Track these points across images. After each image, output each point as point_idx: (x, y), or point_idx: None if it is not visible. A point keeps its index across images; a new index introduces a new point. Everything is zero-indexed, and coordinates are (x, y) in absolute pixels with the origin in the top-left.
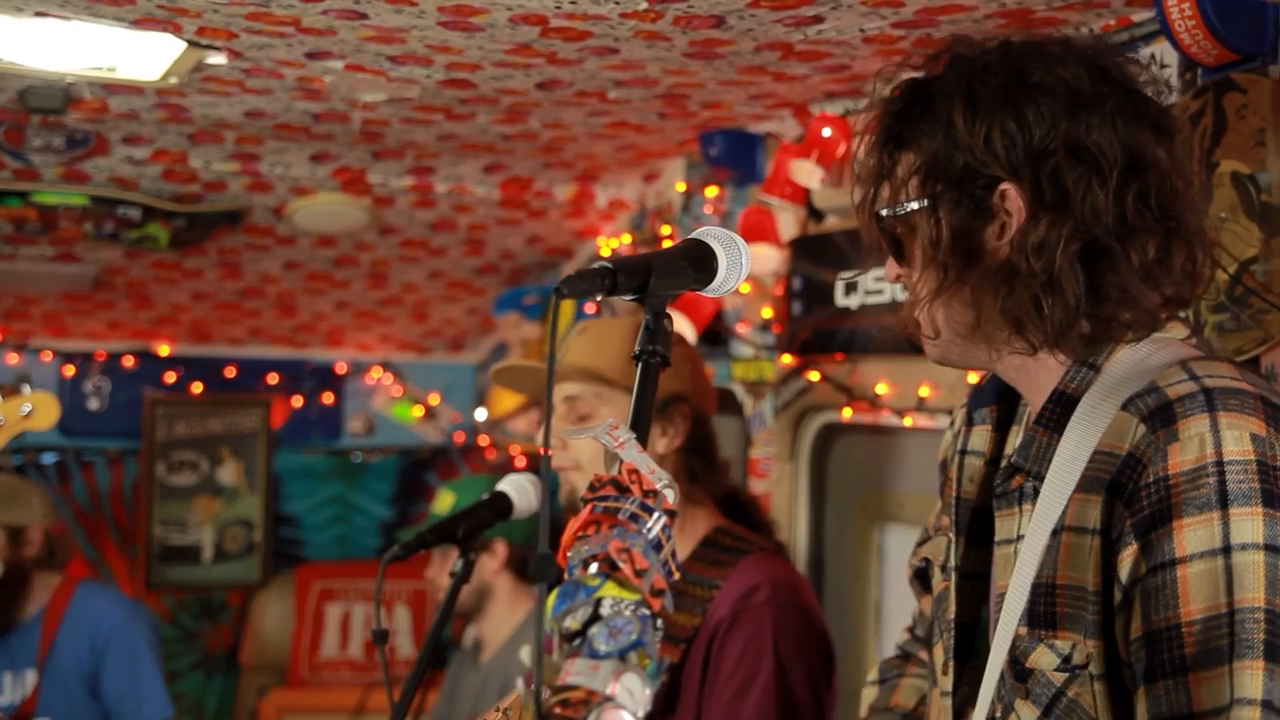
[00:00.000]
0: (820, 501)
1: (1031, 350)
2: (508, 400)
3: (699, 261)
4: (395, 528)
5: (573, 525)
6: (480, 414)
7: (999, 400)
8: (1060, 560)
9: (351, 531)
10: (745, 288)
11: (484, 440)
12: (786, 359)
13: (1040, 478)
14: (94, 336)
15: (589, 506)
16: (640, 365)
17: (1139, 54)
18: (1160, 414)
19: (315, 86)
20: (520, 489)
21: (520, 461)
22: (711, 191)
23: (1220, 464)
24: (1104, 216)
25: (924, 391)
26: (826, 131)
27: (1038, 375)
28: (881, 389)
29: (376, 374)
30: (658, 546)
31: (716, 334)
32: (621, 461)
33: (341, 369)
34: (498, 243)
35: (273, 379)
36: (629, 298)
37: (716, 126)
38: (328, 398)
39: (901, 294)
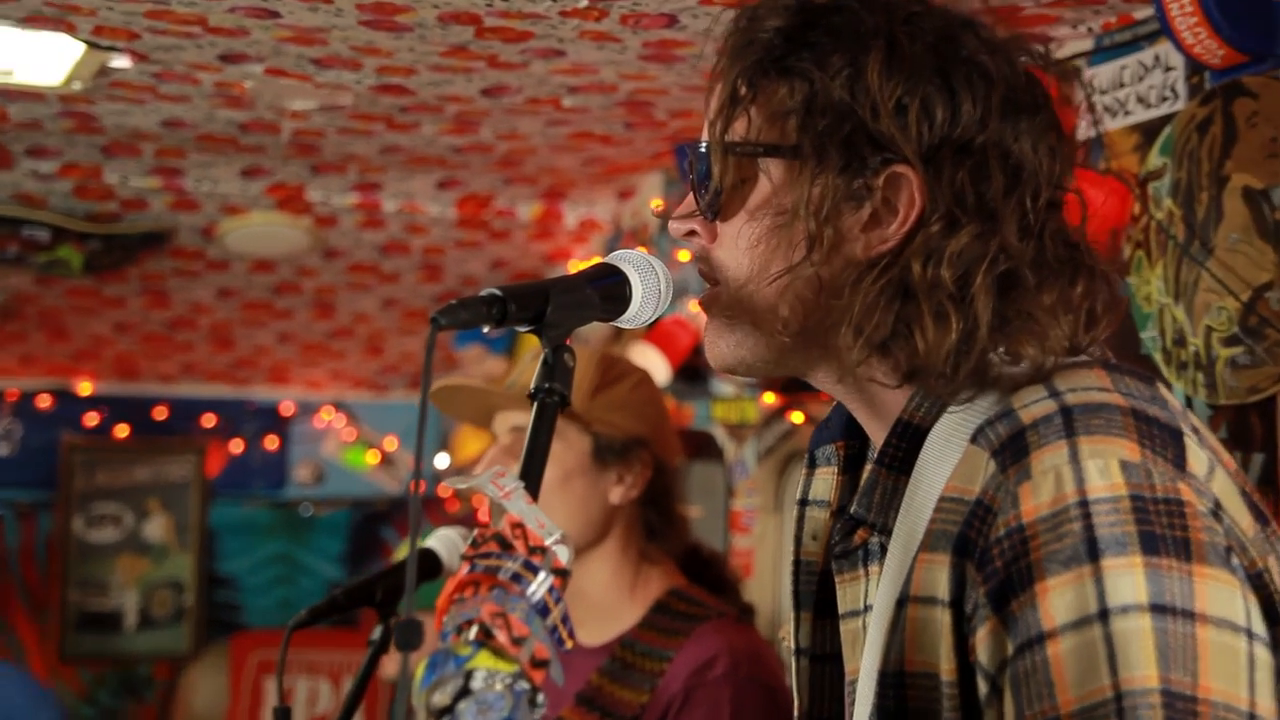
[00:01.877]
0: None
1: (892, 378)
2: (473, 443)
3: (608, 289)
4: None
5: (449, 586)
6: (442, 460)
7: (848, 434)
8: (907, 640)
9: (296, 594)
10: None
11: (446, 490)
12: (769, 398)
13: (887, 531)
14: (4, 373)
15: (466, 565)
16: (535, 405)
17: (1141, 54)
18: (1011, 445)
19: (236, 93)
20: (451, 545)
21: (484, 514)
22: None
23: (1084, 504)
24: (1027, 243)
25: None
26: None
27: (875, 402)
28: None
29: (326, 415)
30: (543, 611)
31: (695, 370)
32: (505, 515)
33: (287, 410)
34: (457, 267)
35: (208, 421)
36: (523, 329)
37: (690, 138)
38: (271, 442)
39: None
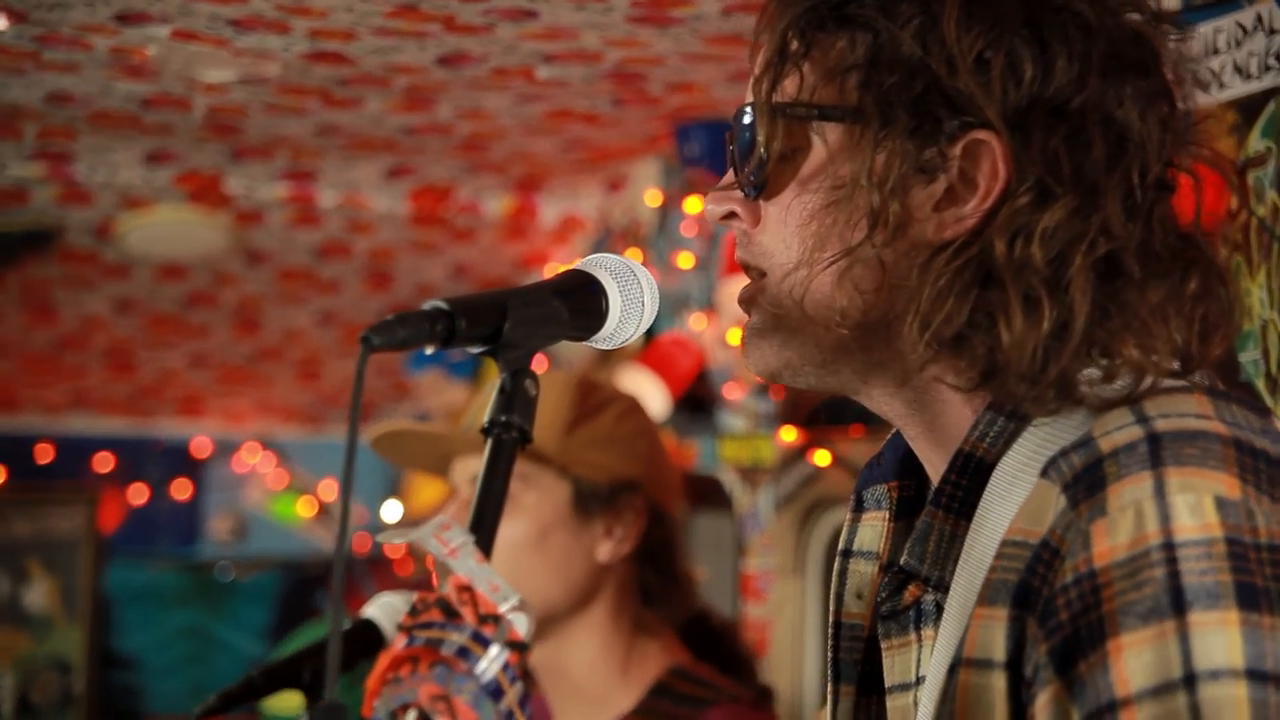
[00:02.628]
0: None
1: (964, 378)
2: (430, 489)
3: (579, 301)
4: None
5: (382, 662)
6: (392, 510)
7: (903, 473)
8: (958, 713)
9: (211, 676)
10: (737, 337)
11: (396, 549)
12: (789, 434)
13: (944, 587)
14: None
15: (402, 636)
16: (490, 443)
17: (1240, 14)
18: (1086, 477)
19: (137, 61)
20: (394, 615)
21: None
22: (695, 205)
23: (1170, 546)
24: (1133, 225)
25: None
26: None
27: (937, 423)
28: None
29: (250, 456)
30: (495, 692)
31: (699, 400)
32: (452, 575)
33: (200, 449)
34: (411, 274)
35: (103, 463)
36: (476, 349)
37: (693, 117)
38: (181, 489)
39: None
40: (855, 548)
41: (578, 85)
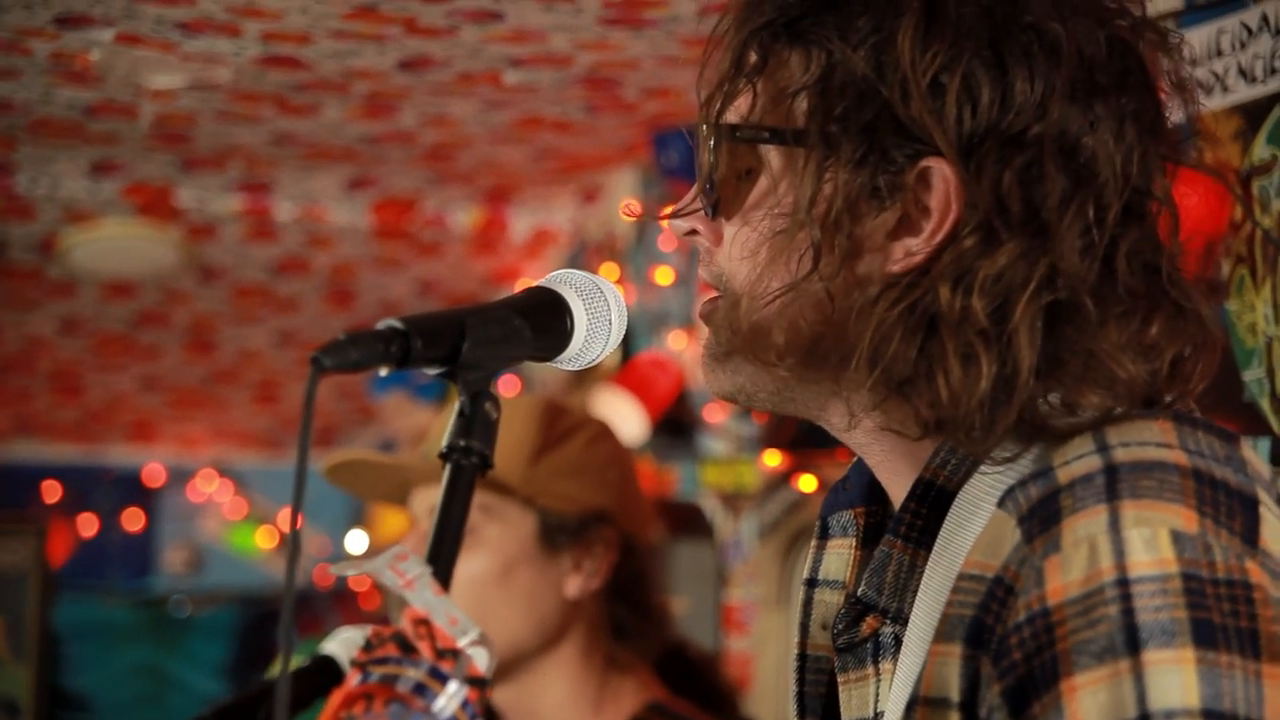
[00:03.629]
0: None
1: (912, 428)
2: (395, 521)
3: (543, 320)
4: None
5: (334, 700)
6: (357, 541)
7: (870, 499)
8: None
9: (167, 716)
10: None
11: (362, 581)
12: (772, 459)
13: (903, 619)
14: None
15: (356, 673)
16: (448, 469)
17: (1245, 14)
18: (1040, 510)
19: (79, 67)
20: (355, 651)
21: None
22: None
23: (1124, 583)
24: (1088, 266)
25: None
26: None
27: (896, 451)
28: None
29: (205, 484)
30: None
31: (679, 423)
32: (408, 608)
33: (153, 477)
34: (374, 291)
35: (50, 493)
36: (433, 371)
37: (671, 124)
38: (133, 520)
39: None
40: (821, 576)
41: (548, 91)
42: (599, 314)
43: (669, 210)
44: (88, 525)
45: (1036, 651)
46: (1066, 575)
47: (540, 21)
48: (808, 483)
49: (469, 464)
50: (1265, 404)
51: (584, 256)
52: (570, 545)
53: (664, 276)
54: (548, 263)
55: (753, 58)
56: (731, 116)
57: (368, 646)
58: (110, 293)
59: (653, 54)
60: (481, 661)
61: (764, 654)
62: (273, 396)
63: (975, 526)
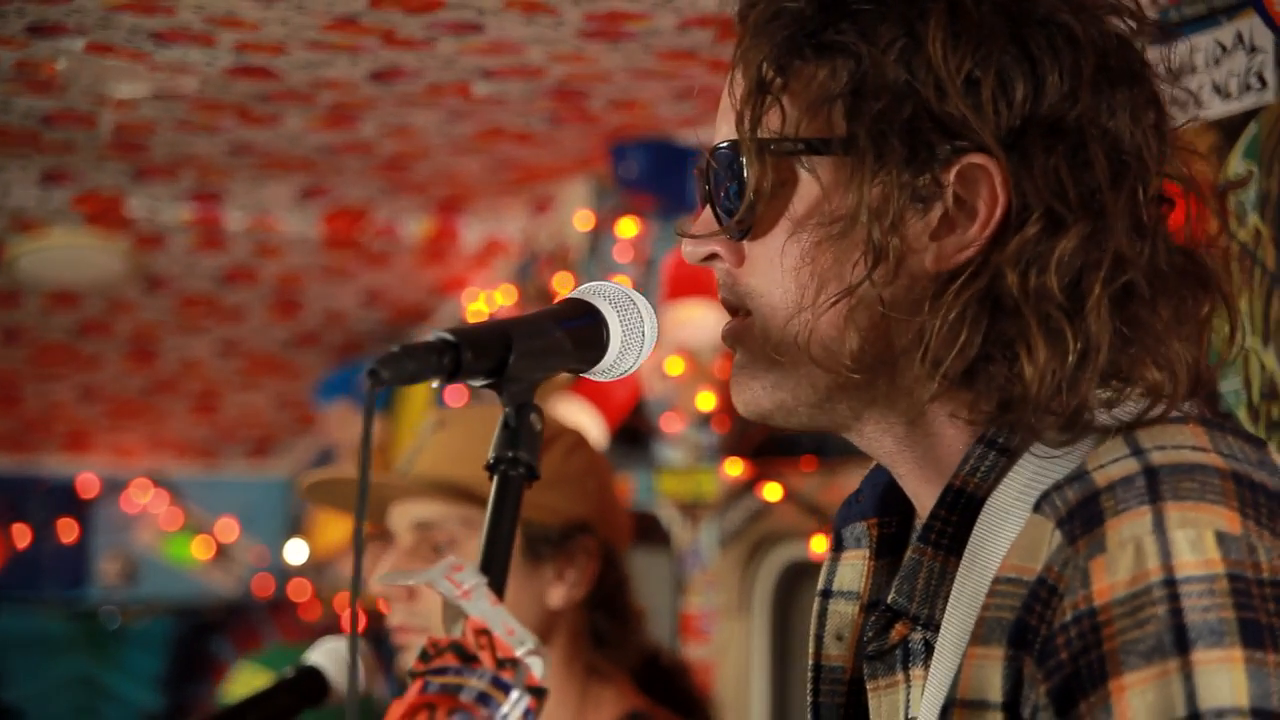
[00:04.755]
0: (784, 673)
1: (977, 412)
2: (336, 530)
3: (581, 332)
4: None
5: (396, 710)
6: (296, 551)
7: (883, 510)
8: None
9: None
10: (677, 366)
11: (302, 591)
12: (734, 468)
13: (934, 625)
14: None
15: (418, 684)
16: (496, 479)
17: (1219, 31)
18: (1082, 512)
19: (44, 76)
20: (342, 662)
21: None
22: (628, 228)
23: (1171, 583)
24: (1141, 248)
25: None
26: None
27: (929, 457)
28: None
29: (141, 494)
30: None
31: (635, 432)
32: (466, 618)
33: (88, 487)
34: (321, 301)
35: None
36: (479, 383)
37: (631, 136)
38: (67, 530)
39: None
40: (835, 588)
41: (515, 102)
42: (632, 325)
43: (689, 231)
44: (21, 536)
45: (1083, 651)
46: (1113, 575)
47: (520, 34)
48: (772, 491)
49: (517, 475)
50: (1243, 413)
51: (535, 267)
52: (553, 556)
53: (622, 283)
54: (497, 272)
55: (774, 74)
56: (763, 134)
57: (424, 657)
58: (54, 302)
59: (626, 66)
60: (538, 670)
61: (725, 662)
62: (212, 407)
63: (1008, 531)
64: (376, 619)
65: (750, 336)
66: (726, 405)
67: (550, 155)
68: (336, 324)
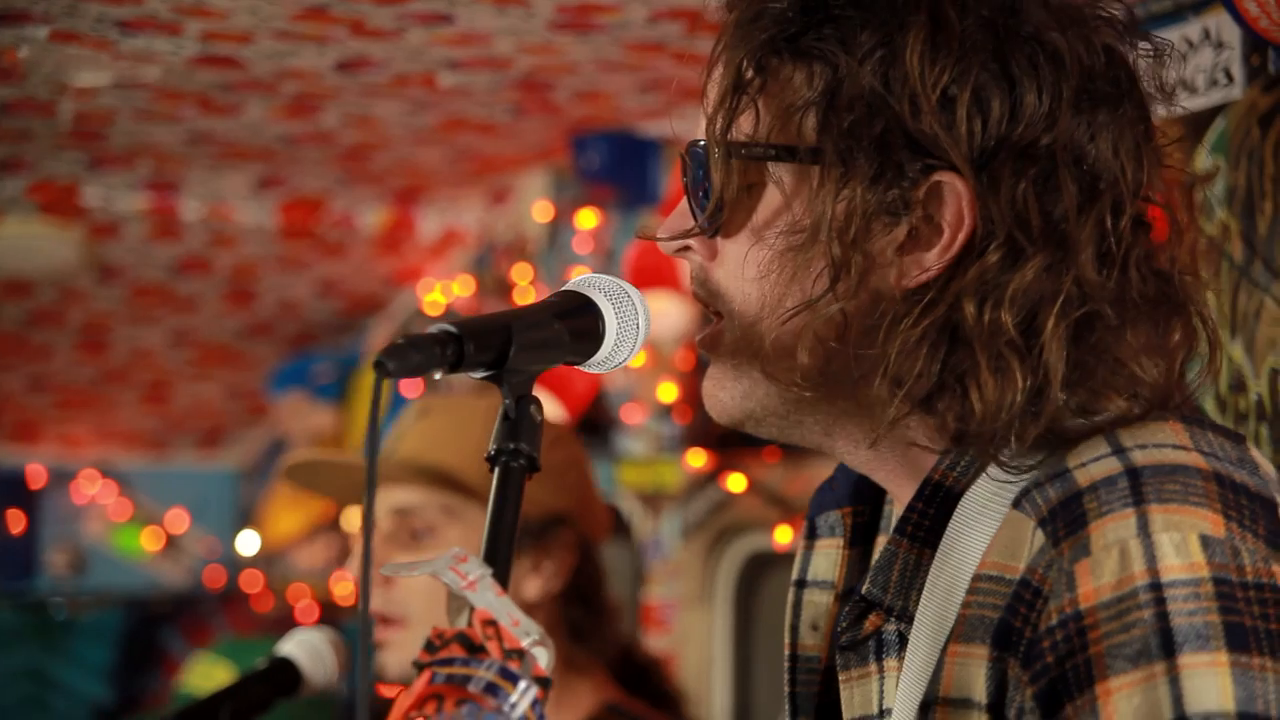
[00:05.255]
0: (747, 664)
1: (937, 441)
2: (288, 520)
3: (578, 324)
4: (117, 716)
5: (403, 702)
6: (248, 542)
7: (857, 499)
8: None
9: None
10: (639, 359)
11: (253, 583)
12: (697, 459)
13: (908, 617)
14: None
15: (426, 675)
16: (497, 471)
17: (1186, 27)
18: (1064, 513)
19: (6, 64)
20: (314, 653)
21: (308, 613)
22: (588, 219)
23: (1157, 586)
24: (1107, 275)
25: None
26: None
27: (905, 460)
28: None
29: (89, 485)
30: None
31: (594, 423)
32: (471, 610)
33: (35, 477)
34: (275, 291)
35: None
36: (480, 374)
37: (595, 128)
38: (14, 521)
39: None
40: (810, 577)
41: (480, 94)
42: (627, 318)
43: (663, 226)
44: None
45: (1069, 654)
46: (1098, 579)
47: (491, 25)
48: (736, 482)
49: (518, 466)
50: (1210, 404)
51: (492, 257)
52: (531, 547)
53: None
54: (453, 263)
55: (753, 75)
56: (735, 134)
57: (430, 648)
58: (5, 291)
59: (594, 58)
60: (544, 661)
61: (686, 652)
62: (162, 397)
63: (986, 527)
64: (332, 609)
65: (721, 343)
66: (687, 396)
67: (511, 146)
68: (290, 314)
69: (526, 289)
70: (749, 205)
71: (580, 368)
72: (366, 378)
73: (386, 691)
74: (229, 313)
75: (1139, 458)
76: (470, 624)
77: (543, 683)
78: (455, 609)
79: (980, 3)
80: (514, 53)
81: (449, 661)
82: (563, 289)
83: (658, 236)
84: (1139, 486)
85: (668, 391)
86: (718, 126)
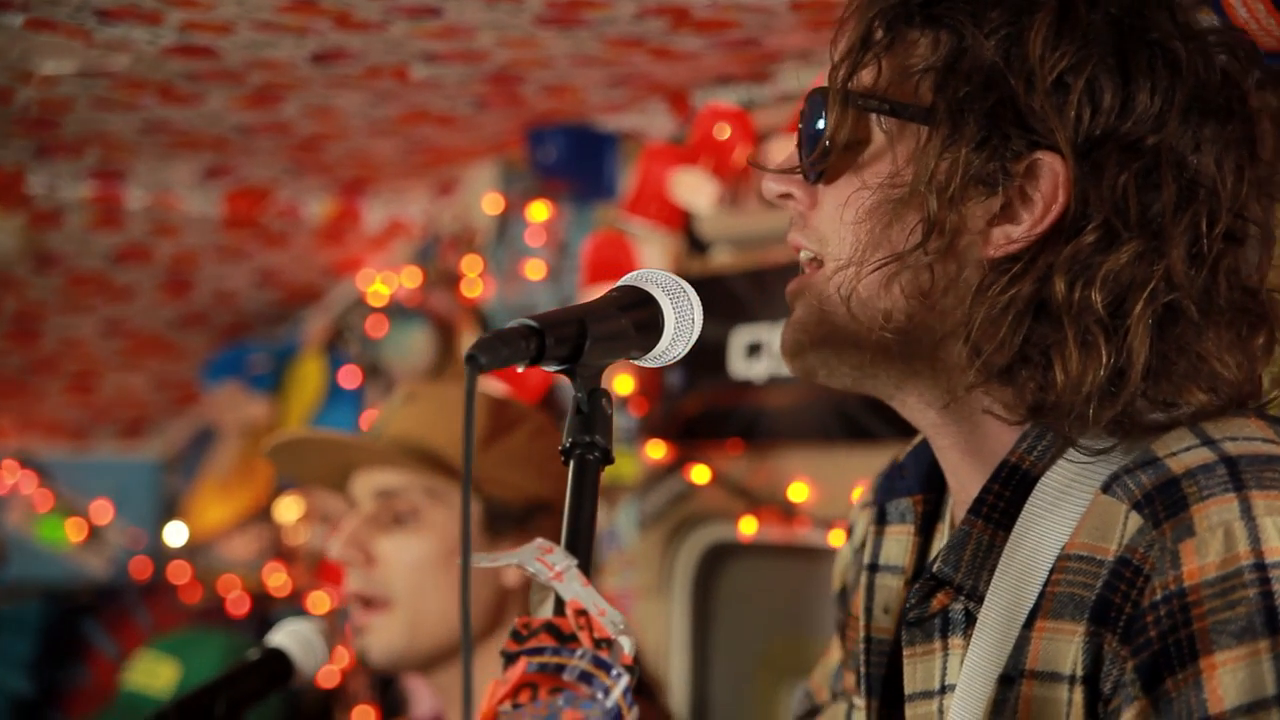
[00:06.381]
0: (705, 654)
1: (1013, 412)
2: (217, 511)
3: (641, 318)
4: (38, 709)
5: (498, 691)
6: (176, 533)
7: (927, 487)
8: None
9: None
10: None
11: (181, 574)
12: (656, 450)
13: (978, 596)
14: None
15: (521, 664)
16: (573, 464)
17: None
18: (1162, 496)
19: None
20: (305, 643)
21: (239, 604)
22: (540, 211)
23: (1262, 567)
24: (1196, 274)
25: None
26: (723, 131)
27: (974, 435)
28: (798, 492)
29: (9, 474)
30: (617, 717)
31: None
32: (558, 599)
33: None
34: (213, 281)
35: None
36: (553, 368)
37: (562, 119)
38: None
39: None
40: (882, 562)
41: (450, 86)
42: (684, 313)
43: (771, 167)
44: None
45: (1172, 629)
46: (1203, 558)
47: (477, 18)
48: (700, 474)
49: (594, 458)
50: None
51: (437, 249)
52: (513, 533)
53: (534, 271)
54: (396, 254)
55: (883, 34)
56: (856, 85)
57: (517, 637)
58: None
59: (572, 52)
60: (629, 649)
61: (642, 642)
62: (88, 387)
63: (1068, 510)
64: (264, 601)
65: (810, 289)
66: (644, 388)
67: (465, 139)
68: (226, 304)
69: (475, 281)
70: (855, 155)
71: (638, 362)
72: (303, 368)
73: (325, 682)
74: (164, 302)
75: (1231, 448)
76: (558, 614)
77: (631, 671)
78: (539, 599)
79: (1111, 1)
80: (493, 46)
81: (539, 650)
82: (620, 283)
83: (765, 175)
84: (1238, 474)
85: (624, 383)
86: (840, 75)
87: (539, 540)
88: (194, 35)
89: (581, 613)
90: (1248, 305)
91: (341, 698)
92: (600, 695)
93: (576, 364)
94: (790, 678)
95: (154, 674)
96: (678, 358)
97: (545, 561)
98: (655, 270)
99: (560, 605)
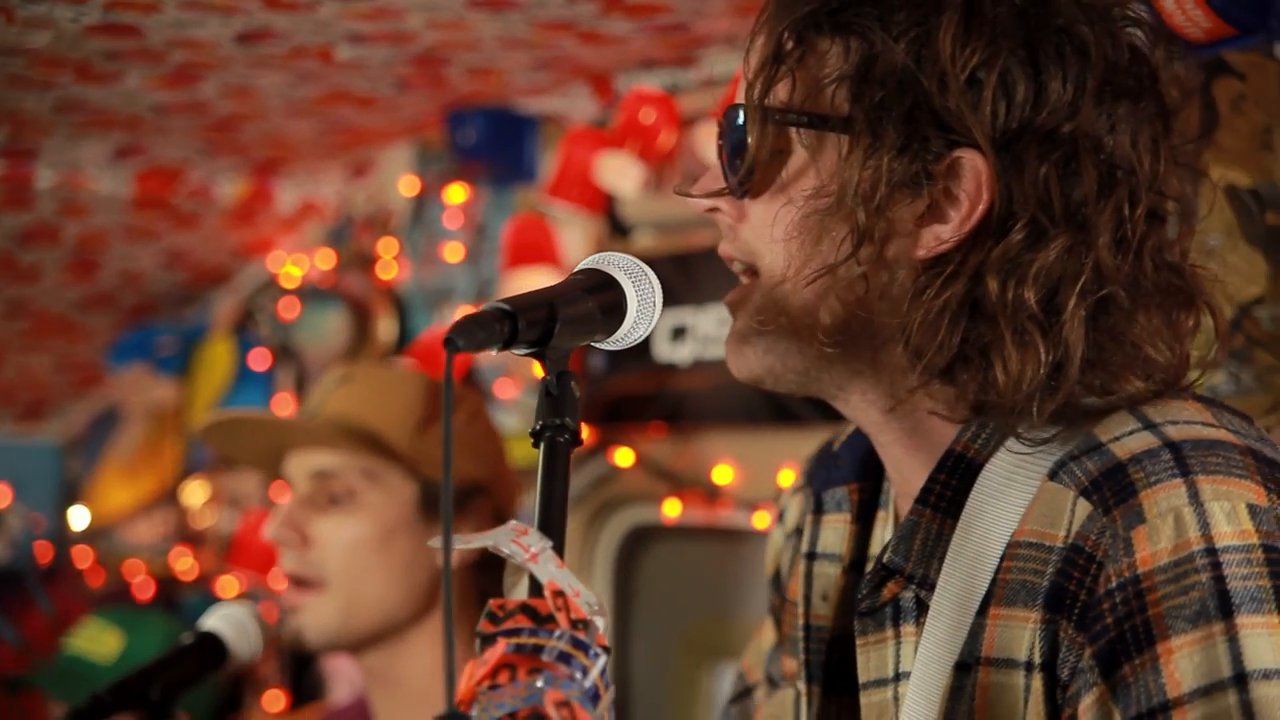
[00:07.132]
0: (625, 634)
1: (955, 410)
2: (119, 492)
3: (606, 301)
4: None
5: (475, 670)
6: (79, 517)
7: (862, 475)
8: (977, 710)
9: None
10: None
11: (84, 558)
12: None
13: (929, 585)
14: None
15: (499, 645)
16: (543, 446)
17: None
18: (1109, 482)
19: None
20: (238, 627)
21: (144, 589)
22: (457, 194)
23: (1213, 551)
24: (1122, 260)
25: (786, 478)
26: (649, 115)
27: (917, 430)
28: (722, 475)
29: None
30: (594, 698)
31: None
32: (533, 581)
33: None
34: (120, 262)
35: None
36: (522, 351)
37: (484, 101)
38: None
39: None
40: (819, 550)
41: (373, 68)
42: (645, 296)
43: (695, 187)
44: None
45: (1128, 616)
46: (1155, 544)
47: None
48: (624, 456)
49: (564, 440)
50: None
51: (351, 231)
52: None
53: (454, 253)
54: (307, 236)
55: (793, 46)
56: (772, 100)
57: (493, 618)
58: None
59: (500, 35)
60: (602, 629)
61: None
62: None
63: (1015, 497)
64: (170, 585)
65: (749, 301)
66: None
67: (383, 120)
68: (132, 285)
69: (390, 263)
70: (778, 169)
71: (601, 346)
72: (211, 350)
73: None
74: (70, 283)
75: (1173, 432)
76: (533, 595)
77: (606, 651)
78: (513, 581)
79: None
80: (422, 28)
81: (517, 631)
82: (583, 266)
83: (690, 194)
84: (1183, 459)
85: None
86: (756, 92)
87: (514, 522)
88: (119, 14)
89: (559, 594)
90: (1174, 284)
91: (252, 682)
92: (579, 675)
93: (545, 347)
94: (711, 659)
95: (99, 640)
96: (639, 340)
97: (521, 543)
98: (616, 254)
99: (535, 586)
